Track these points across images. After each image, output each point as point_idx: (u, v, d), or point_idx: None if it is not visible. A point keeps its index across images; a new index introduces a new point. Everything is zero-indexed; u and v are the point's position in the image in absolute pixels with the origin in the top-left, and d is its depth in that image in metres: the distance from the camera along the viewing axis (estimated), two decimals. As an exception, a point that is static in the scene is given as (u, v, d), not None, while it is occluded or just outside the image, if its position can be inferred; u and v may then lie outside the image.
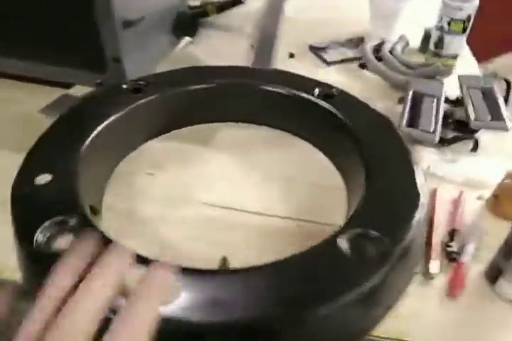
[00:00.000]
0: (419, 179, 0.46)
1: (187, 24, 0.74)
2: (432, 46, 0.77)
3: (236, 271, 0.37)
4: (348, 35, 0.88)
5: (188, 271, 0.35)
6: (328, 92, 0.59)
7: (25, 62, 0.66)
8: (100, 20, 0.57)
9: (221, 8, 0.88)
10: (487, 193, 0.56)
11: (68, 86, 0.68)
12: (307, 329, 0.35)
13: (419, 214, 0.41)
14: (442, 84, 0.68)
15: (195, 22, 0.75)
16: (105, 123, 0.52)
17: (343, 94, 0.59)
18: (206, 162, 0.58)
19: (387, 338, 0.41)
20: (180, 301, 0.33)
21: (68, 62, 0.64)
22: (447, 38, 0.74)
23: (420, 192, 0.43)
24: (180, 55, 0.81)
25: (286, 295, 0.35)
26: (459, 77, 0.70)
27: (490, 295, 0.45)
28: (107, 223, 0.49)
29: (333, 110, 0.56)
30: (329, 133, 0.56)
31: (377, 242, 0.39)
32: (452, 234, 0.49)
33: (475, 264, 0.47)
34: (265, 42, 0.85)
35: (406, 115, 0.63)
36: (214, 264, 0.45)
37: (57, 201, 0.42)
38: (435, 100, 0.65)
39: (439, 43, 0.76)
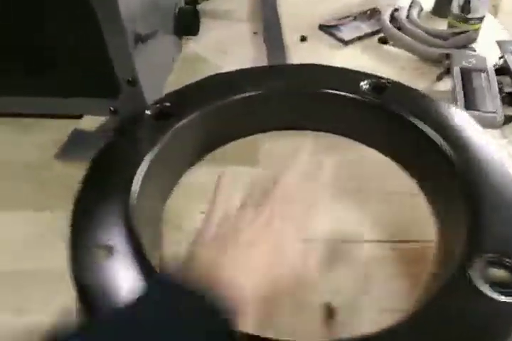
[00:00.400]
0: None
1: (190, 22, 0.65)
2: (456, 10, 0.70)
3: (375, 336, 0.32)
4: (358, 7, 0.80)
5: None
6: (378, 85, 0.53)
7: (19, 98, 0.56)
8: (109, 38, 0.48)
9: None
10: None
11: (71, 117, 0.59)
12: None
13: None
14: (484, 56, 0.62)
15: (197, 18, 0.65)
16: (144, 166, 0.45)
17: (395, 85, 0.53)
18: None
19: None
20: None
21: (73, 91, 0.55)
22: (474, 1, 0.68)
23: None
24: (185, 56, 0.73)
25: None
26: (499, 43, 0.64)
27: None
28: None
29: (392, 107, 0.50)
30: (394, 135, 0.51)
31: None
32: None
33: None
34: (270, 27, 0.76)
35: (461, 97, 0.57)
36: (316, 314, 0.40)
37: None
38: (484, 74, 0.60)
39: (466, 6, 0.69)
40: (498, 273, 0.35)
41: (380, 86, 0.53)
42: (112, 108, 0.56)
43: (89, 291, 0.35)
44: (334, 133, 0.55)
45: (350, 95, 0.52)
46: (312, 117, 0.55)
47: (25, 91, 0.54)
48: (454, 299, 0.34)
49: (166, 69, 0.65)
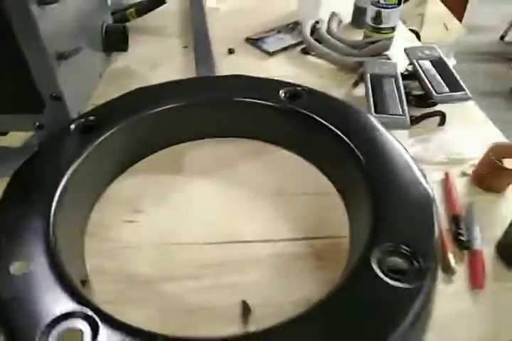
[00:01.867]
0: (421, 174, 0.45)
1: (118, 39, 0.66)
2: (370, 21, 0.76)
3: (280, 326, 0.35)
4: (281, 21, 0.85)
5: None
6: (295, 93, 0.56)
7: None
8: (30, 56, 0.49)
9: (142, 11, 0.81)
10: (467, 168, 0.57)
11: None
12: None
13: (436, 216, 0.41)
14: (395, 63, 0.67)
15: (125, 34, 0.67)
16: (65, 179, 0.46)
17: (311, 92, 0.56)
18: (187, 192, 0.54)
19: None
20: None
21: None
22: (385, 12, 0.73)
23: (429, 190, 0.43)
24: (114, 71, 0.74)
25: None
26: (406, 50, 0.70)
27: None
28: (101, 288, 0.44)
29: (304, 111, 0.54)
30: (307, 137, 0.54)
31: (409, 258, 0.38)
32: (457, 220, 0.49)
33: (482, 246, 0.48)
34: (199, 41, 0.79)
35: (371, 101, 0.61)
36: (235, 312, 0.42)
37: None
38: (393, 80, 0.65)
39: (378, 18, 0.74)
40: (396, 261, 0.39)
41: (297, 93, 0.56)
42: (37, 123, 0.57)
43: (4, 305, 0.35)
44: (255, 139, 0.58)
45: (267, 103, 0.55)
46: (233, 125, 0.58)
47: None
48: (357, 287, 0.37)
49: (92, 84, 0.66)
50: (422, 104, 0.66)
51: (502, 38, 2.44)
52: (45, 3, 0.47)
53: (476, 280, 0.44)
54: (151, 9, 0.81)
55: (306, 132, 0.54)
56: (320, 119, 0.52)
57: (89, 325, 0.33)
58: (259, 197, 0.53)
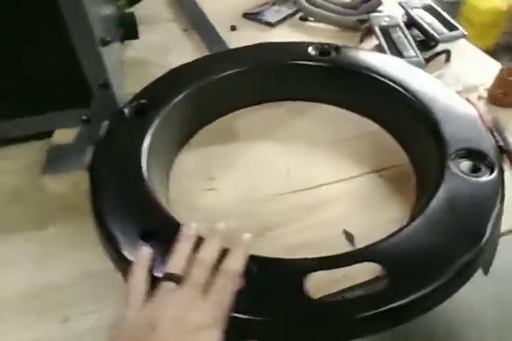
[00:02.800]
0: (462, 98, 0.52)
1: (133, 25, 0.68)
2: (357, -19, 0.81)
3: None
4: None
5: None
6: (323, 50, 0.61)
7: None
8: (78, 43, 0.50)
9: (133, 1, 0.82)
10: (483, 92, 0.64)
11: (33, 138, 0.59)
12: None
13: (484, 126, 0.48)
14: (395, 15, 0.73)
15: (135, 22, 0.69)
16: (144, 157, 0.48)
17: (336, 48, 0.61)
18: (252, 154, 0.57)
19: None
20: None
21: (45, 107, 0.56)
22: (370, -29, 0.79)
23: (473, 109, 0.50)
24: (125, 60, 0.75)
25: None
26: (401, 3, 0.76)
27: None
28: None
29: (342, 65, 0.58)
30: (350, 88, 0.59)
31: (478, 158, 0.44)
32: (491, 132, 0.55)
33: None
34: (199, 23, 0.81)
35: (386, 49, 0.67)
36: (339, 242, 0.47)
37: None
38: (398, 29, 0.70)
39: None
40: (468, 163, 0.45)
41: (325, 50, 0.61)
42: (84, 117, 0.58)
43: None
44: (301, 100, 0.63)
45: (308, 62, 0.60)
46: (278, 88, 0.61)
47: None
48: (448, 190, 0.42)
49: (121, 71, 0.67)
50: (425, 47, 0.72)
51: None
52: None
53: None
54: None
55: (350, 84, 0.58)
56: (360, 67, 0.57)
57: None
58: (317, 146, 0.58)
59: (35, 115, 0.55)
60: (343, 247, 0.46)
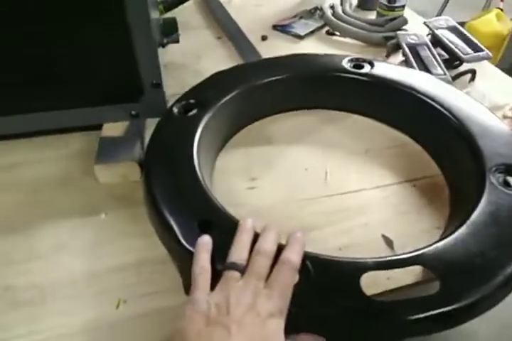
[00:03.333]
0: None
1: (174, 30, 0.71)
2: (384, 1, 0.85)
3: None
4: (297, 8, 0.92)
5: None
6: (357, 63, 0.64)
7: (31, 115, 0.58)
8: (139, 45, 0.52)
9: (169, 7, 0.85)
10: (507, 111, 0.68)
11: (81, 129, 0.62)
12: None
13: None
14: (422, 34, 0.77)
15: (177, 27, 0.72)
16: (195, 153, 0.51)
17: (370, 62, 0.64)
18: (289, 157, 0.60)
19: None
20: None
21: (97, 100, 0.58)
22: (398, -8, 0.83)
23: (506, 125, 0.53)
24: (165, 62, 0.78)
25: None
26: (427, 23, 0.80)
27: None
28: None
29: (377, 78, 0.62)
30: (385, 100, 0.62)
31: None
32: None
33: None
34: (232, 31, 0.84)
35: (415, 65, 0.71)
36: (377, 246, 0.49)
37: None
38: (426, 47, 0.74)
39: (392, -2, 0.84)
40: (505, 177, 0.48)
41: (359, 64, 0.64)
42: (133, 112, 0.60)
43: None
44: (335, 109, 0.65)
45: (344, 74, 0.63)
46: (314, 97, 0.64)
47: (52, 105, 0.56)
48: (490, 202, 0.45)
49: (164, 74, 0.70)
50: (450, 66, 0.76)
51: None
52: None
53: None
54: (178, 5, 0.85)
55: (384, 97, 0.61)
56: (395, 82, 0.60)
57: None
58: (350, 154, 0.61)
59: (88, 107, 0.58)
60: (382, 251, 0.49)
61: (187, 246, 0.41)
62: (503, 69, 0.79)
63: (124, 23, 0.50)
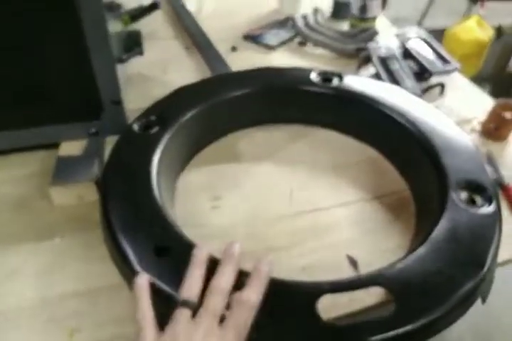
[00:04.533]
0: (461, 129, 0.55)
1: (137, 42, 0.69)
2: (356, 12, 0.85)
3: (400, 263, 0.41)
4: (268, 18, 0.91)
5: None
6: (325, 77, 0.63)
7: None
8: (97, 61, 0.51)
9: (135, 17, 0.83)
10: (475, 125, 0.68)
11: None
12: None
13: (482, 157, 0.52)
14: (392, 46, 0.76)
15: (141, 40, 0.70)
16: (154, 173, 0.49)
17: (339, 75, 0.63)
18: (254, 175, 0.58)
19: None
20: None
21: (48, 119, 0.56)
22: (369, 3, 0.83)
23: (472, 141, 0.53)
24: (127, 76, 0.76)
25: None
26: (397, 35, 0.79)
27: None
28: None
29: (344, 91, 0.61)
30: (350, 113, 0.61)
31: (477, 190, 0.47)
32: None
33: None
34: (200, 42, 0.83)
35: (385, 78, 0.70)
36: (341, 267, 0.48)
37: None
38: (395, 60, 0.74)
39: (363, 9, 0.83)
40: (467, 194, 0.47)
41: (328, 77, 0.63)
42: (92, 130, 0.58)
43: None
44: (303, 123, 0.64)
45: (311, 88, 0.62)
46: (281, 111, 0.63)
47: (8, 124, 0.54)
48: (451, 219, 0.44)
49: (125, 87, 0.68)
50: (420, 78, 0.75)
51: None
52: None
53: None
54: (144, 14, 0.84)
55: (352, 109, 0.61)
56: (363, 95, 0.59)
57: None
58: (318, 170, 0.60)
59: (45, 126, 0.55)
60: (346, 272, 0.48)
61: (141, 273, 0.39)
62: (484, 77, 0.79)
63: (82, 41, 0.48)
